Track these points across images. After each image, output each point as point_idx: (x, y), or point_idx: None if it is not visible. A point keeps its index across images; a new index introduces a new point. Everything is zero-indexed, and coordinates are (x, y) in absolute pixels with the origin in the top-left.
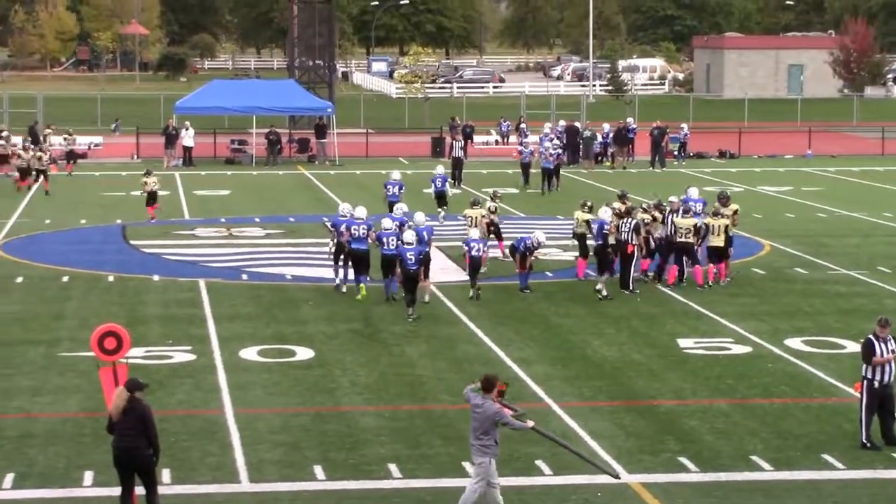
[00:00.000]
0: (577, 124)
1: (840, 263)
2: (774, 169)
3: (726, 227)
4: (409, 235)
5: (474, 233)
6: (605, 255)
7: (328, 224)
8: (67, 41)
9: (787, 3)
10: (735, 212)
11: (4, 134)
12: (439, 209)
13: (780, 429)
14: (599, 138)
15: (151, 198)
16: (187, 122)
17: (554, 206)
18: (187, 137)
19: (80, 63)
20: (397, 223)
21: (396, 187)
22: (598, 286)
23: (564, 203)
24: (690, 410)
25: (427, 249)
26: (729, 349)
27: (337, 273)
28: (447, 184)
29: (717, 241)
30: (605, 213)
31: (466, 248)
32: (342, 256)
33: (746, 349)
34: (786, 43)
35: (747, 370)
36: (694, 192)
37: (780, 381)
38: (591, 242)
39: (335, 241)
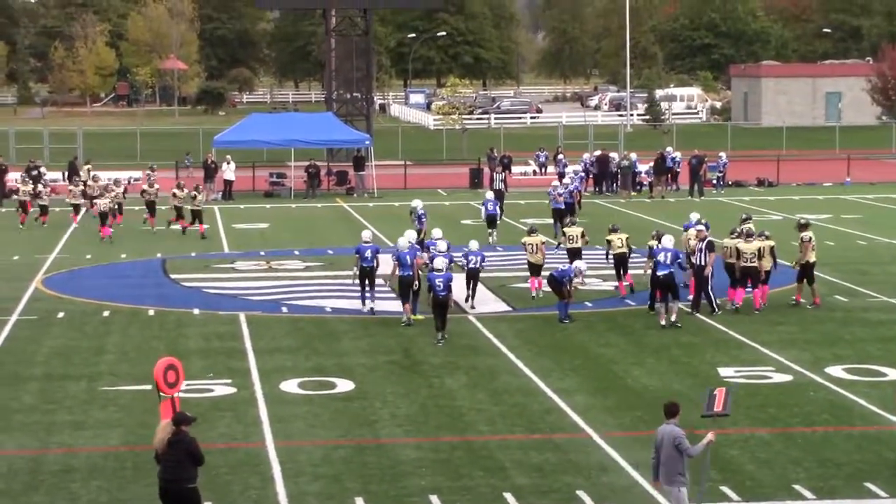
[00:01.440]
0: (614, 154)
1: (881, 291)
2: (813, 197)
3: (772, 250)
4: (439, 262)
5: (474, 244)
6: (674, 283)
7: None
8: (107, 77)
9: (825, 30)
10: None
11: (42, 170)
12: (490, 231)
13: (822, 457)
14: (639, 167)
15: (178, 213)
16: (228, 157)
17: (594, 237)
18: (228, 171)
19: (119, 98)
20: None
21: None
22: (673, 317)
23: (601, 233)
24: (731, 440)
25: (410, 273)
26: (770, 378)
27: (364, 299)
28: (497, 207)
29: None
30: (668, 241)
31: (465, 260)
32: (366, 281)
33: (787, 378)
34: (823, 71)
35: (788, 399)
36: (695, 217)
37: (821, 410)
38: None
39: (359, 266)
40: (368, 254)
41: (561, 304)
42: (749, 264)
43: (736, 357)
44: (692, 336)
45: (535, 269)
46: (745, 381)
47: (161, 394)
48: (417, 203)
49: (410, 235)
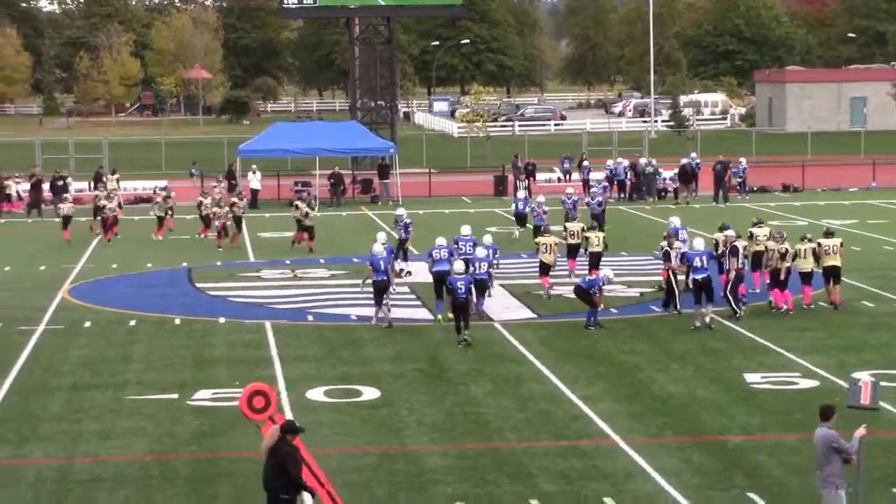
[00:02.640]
0: (644, 160)
1: None
2: (839, 202)
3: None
4: (459, 265)
5: (481, 251)
6: (710, 286)
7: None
8: (132, 87)
9: (849, 35)
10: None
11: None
12: (517, 228)
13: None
14: (664, 173)
15: (205, 222)
16: (254, 166)
17: (619, 244)
18: (254, 180)
19: (144, 108)
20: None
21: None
22: (707, 319)
23: (631, 241)
24: (759, 446)
25: (384, 278)
26: (796, 383)
27: (379, 309)
28: (528, 206)
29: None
30: (700, 244)
31: (473, 266)
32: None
33: (814, 383)
34: (848, 76)
35: (815, 404)
36: (677, 221)
37: (848, 415)
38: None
39: (370, 278)
40: (444, 253)
41: (591, 311)
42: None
43: (762, 363)
44: (718, 342)
45: (545, 268)
46: (772, 387)
47: (253, 421)
48: (402, 212)
49: (382, 238)
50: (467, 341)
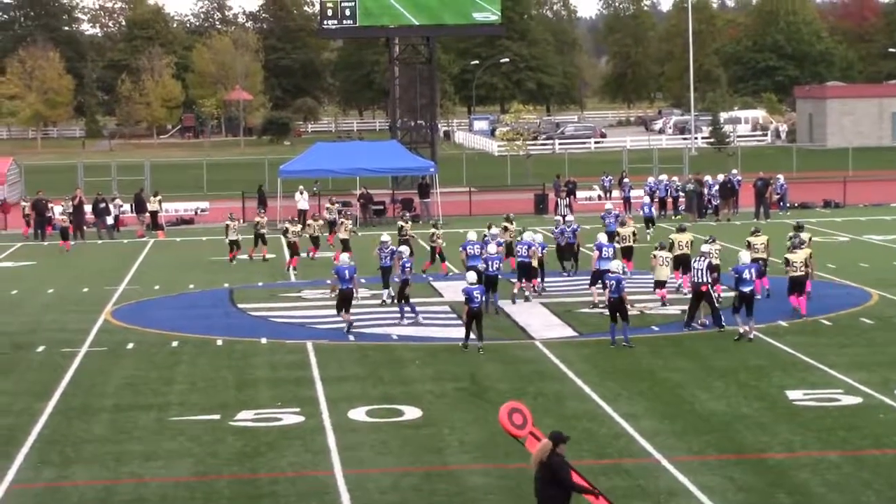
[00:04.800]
0: (706, 177)
1: None
2: (881, 217)
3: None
4: (471, 276)
5: (492, 247)
6: (753, 298)
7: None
8: (173, 108)
9: (890, 50)
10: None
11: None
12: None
13: (892, 480)
14: (707, 190)
15: (292, 250)
16: (301, 186)
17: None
18: (302, 201)
19: (185, 130)
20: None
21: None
22: (748, 328)
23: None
24: (801, 463)
25: (350, 287)
26: (839, 400)
27: (341, 314)
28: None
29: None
30: (746, 257)
31: (485, 264)
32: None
33: (857, 400)
34: (889, 91)
35: (858, 421)
36: (528, 236)
37: (891, 432)
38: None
39: (337, 289)
40: (476, 249)
41: (625, 327)
42: (797, 274)
43: (804, 380)
44: (760, 359)
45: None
46: (815, 404)
47: (516, 438)
48: (387, 238)
49: (345, 258)
50: (481, 350)
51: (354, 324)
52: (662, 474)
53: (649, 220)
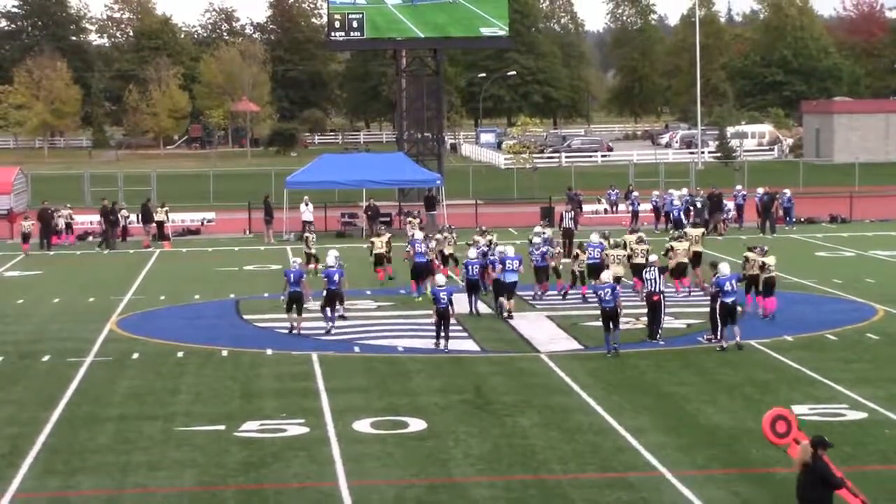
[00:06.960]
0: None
1: None
2: (887, 233)
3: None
4: (440, 278)
5: (472, 252)
6: (736, 310)
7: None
8: (180, 119)
9: None
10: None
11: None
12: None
13: None
14: (731, 204)
15: (378, 261)
16: (306, 197)
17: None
18: (307, 212)
19: (192, 140)
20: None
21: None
22: (733, 342)
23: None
24: None
25: (335, 287)
26: (844, 416)
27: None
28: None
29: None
30: (726, 268)
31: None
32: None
33: (862, 415)
34: None
35: (863, 437)
36: (595, 238)
37: None
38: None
39: (288, 291)
40: (337, 277)
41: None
42: (770, 275)
43: (809, 394)
44: (765, 373)
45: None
46: (820, 420)
47: (779, 446)
48: (334, 256)
49: (296, 261)
50: (441, 348)
51: (357, 335)
52: (667, 488)
53: (678, 223)
